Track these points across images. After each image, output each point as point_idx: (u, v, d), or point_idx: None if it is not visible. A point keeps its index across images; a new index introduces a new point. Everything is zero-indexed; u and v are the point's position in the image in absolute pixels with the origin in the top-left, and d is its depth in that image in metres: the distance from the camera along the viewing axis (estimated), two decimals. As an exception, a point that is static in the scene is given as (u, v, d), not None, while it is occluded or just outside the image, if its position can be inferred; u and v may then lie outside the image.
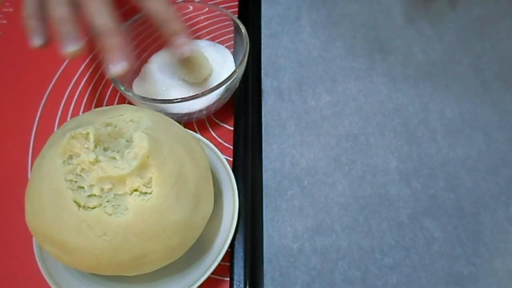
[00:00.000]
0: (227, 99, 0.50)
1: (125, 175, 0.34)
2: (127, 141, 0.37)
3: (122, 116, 0.39)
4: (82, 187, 0.35)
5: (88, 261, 0.35)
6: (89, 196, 0.34)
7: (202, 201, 0.38)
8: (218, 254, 0.39)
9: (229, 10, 0.51)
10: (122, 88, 0.46)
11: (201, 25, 0.53)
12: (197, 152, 0.39)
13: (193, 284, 0.38)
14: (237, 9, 0.59)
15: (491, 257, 0.41)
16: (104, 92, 0.55)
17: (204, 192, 0.38)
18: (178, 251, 0.37)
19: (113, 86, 0.54)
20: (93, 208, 0.34)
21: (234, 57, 0.52)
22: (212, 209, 0.40)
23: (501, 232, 0.42)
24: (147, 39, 0.52)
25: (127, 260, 0.34)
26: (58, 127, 0.48)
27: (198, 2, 0.53)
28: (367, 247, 0.41)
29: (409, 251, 0.41)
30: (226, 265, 0.41)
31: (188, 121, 0.50)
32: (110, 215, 0.34)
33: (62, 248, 0.35)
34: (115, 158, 0.36)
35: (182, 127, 0.41)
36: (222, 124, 0.51)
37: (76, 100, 0.54)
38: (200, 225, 0.38)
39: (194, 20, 0.53)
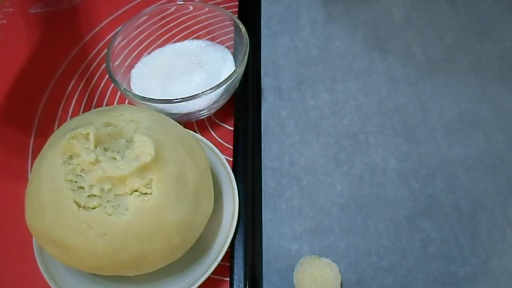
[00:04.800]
0: (227, 99, 0.50)
1: (125, 176, 0.35)
2: (127, 141, 0.38)
3: (122, 116, 0.39)
4: (82, 187, 0.35)
5: (88, 261, 0.35)
6: (89, 196, 0.35)
7: (202, 201, 0.38)
8: (218, 254, 0.40)
9: (229, 10, 0.51)
10: (122, 88, 0.46)
11: (201, 25, 0.53)
12: (197, 152, 0.39)
13: (193, 284, 0.38)
14: (237, 9, 0.59)
15: (488, 257, 0.41)
16: (104, 92, 0.55)
17: (204, 192, 0.38)
18: (178, 251, 0.37)
19: (113, 86, 0.54)
20: (93, 208, 0.34)
21: (234, 57, 0.52)
22: (212, 209, 0.40)
23: (498, 232, 0.42)
24: (150, 36, 0.53)
25: (127, 260, 0.35)
26: (58, 127, 0.48)
27: (198, 2, 0.53)
28: (364, 249, 0.42)
29: (405, 253, 0.41)
30: (226, 265, 0.42)
31: (188, 121, 0.51)
32: (110, 215, 0.34)
33: (62, 248, 0.35)
34: (115, 159, 0.36)
35: (182, 127, 0.41)
36: (222, 124, 0.51)
37: (76, 100, 0.55)
38: (200, 225, 0.38)
39: (194, 20, 0.53)
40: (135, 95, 0.46)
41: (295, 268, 0.40)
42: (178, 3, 0.52)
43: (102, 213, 0.34)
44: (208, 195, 0.40)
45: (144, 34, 0.52)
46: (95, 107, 0.54)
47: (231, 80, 0.46)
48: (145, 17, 0.52)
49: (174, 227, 0.35)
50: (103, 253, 0.34)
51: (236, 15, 0.58)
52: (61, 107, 0.54)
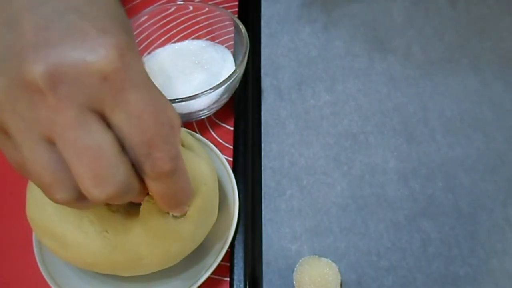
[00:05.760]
0: (227, 99, 0.50)
1: None
2: None
3: None
4: None
5: (84, 257, 0.35)
6: None
7: (210, 215, 0.38)
8: (219, 254, 0.40)
9: (229, 10, 0.51)
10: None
11: (201, 25, 0.53)
12: (210, 165, 0.39)
13: (193, 284, 0.38)
14: (237, 9, 0.59)
15: (488, 257, 0.41)
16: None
17: (213, 206, 0.38)
18: (174, 259, 0.37)
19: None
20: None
21: (234, 57, 0.52)
22: (215, 219, 0.40)
23: (498, 232, 0.42)
24: (150, 36, 0.53)
25: (123, 260, 0.34)
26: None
27: (198, 2, 0.53)
28: (364, 249, 0.42)
29: (405, 253, 0.41)
30: (226, 265, 0.42)
31: (188, 121, 0.51)
32: (114, 212, 0.34)
33: (61, 242, 0.35)
34: None
35: (187, 132, 0.41)
36: (222, 124, 0.51)
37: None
38: (202, 236, 0.38)
39: (194, 20, 0.53)
40: (135, 95, 0.46)
41: (295, 268, 0.40)
42: (178, 3, 0.52)
43: (105, 209, 0.34)
44: (215, 208, 0.39)
45: (144, 34, 0.52)
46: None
47: (231, 80, 0.46)
48: (145, 17, 0.52)
49: (176, 235, 0.35)
50: (100, 250, 0.34)
51: (236, 15, 0.58)
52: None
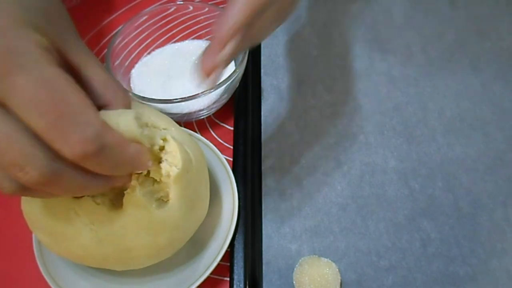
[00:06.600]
0: (227, 99, 0.50)
1: None
2: None
3: None
4: None
5: (74, 250, 0.35)
6: None
7: (197, 206, 0.38)
8: (218, 254, 0.40)
9: (229, 10, 0.51)
10: (122, 88, 0.46)
11: (201, 25, 0.53)
12: (197, 155, 0.39)
13: (192, 283, 0.38)
14: (237, 9, 0.59)
15: (488, 257, 0.41)
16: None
17: (200, 197, 0.38)
18: (164, 251, 0.37)
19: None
20: (82, 196, 0.34)
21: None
22: (206, 214, 0.40)
23: (498, 232, 0.42)
24: (150, 36, 0.53)
25: (112, 253, 0.34)
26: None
27: (198, 2, 0.53)
28: (364, 249, 0.42)
29: (405, 252, 0.41)
30: (226, 265, 0.42)
31: (188, 121, 0.51)
32: (98, 204, 0.34)
33: (51, 236, 0.35)
34: None
35: (183, 128, 0.41)
36: (222, 124, 0.51)
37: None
38: (191, 229, 0.38)
39: (194, 20, 0.53)
40: (135, 95, 0.46)
41: (295, 268, 0.40)
42: (178, 3, 0.52)
43: (90, 201, 0.34)
44: (204, 200, 0.39)
45: (144, 34, 0.52)
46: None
47: (231, 80, 0.46)
48: (145, 17, 0.52)
49: (161, 225, 0.35)
50: (89, 243, 0.34)
51: (236, 15, 0.58)
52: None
